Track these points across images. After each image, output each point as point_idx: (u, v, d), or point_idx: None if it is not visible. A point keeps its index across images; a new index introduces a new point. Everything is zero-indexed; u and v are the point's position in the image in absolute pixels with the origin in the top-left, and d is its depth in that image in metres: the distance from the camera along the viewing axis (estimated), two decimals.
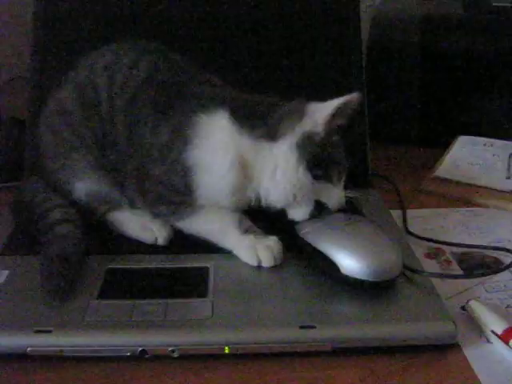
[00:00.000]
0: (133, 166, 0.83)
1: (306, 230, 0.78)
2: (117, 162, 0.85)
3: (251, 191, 0.80)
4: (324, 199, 0.80)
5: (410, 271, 0.76)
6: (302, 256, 0.79)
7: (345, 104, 0.77)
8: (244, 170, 0.79)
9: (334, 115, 0.77)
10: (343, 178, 0.81)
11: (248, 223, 0.80)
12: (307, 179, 0.78)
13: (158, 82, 0.84)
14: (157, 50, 0.88)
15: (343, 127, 0.80)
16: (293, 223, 0.81)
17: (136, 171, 0.83)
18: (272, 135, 0.78)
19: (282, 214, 0.81)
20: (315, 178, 0.78)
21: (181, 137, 0.79)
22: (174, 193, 0.80)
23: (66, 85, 0.88)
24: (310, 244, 0.77)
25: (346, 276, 0.72)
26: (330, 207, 0.80)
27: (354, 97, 0.77)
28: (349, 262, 0.72)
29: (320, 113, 0.78)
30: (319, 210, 0.80)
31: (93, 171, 0.85)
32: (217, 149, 0.78)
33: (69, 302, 0.70)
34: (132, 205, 0.87)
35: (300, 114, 0.79)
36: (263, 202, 0.81)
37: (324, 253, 0.74)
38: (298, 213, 0.81)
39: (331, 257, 0.73)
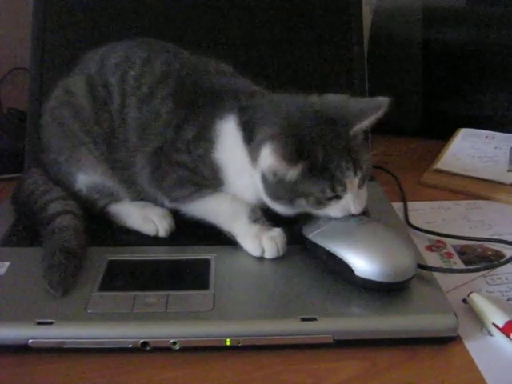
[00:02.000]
0: (147, 157, 0.83)
1: (316, 232, 0.77)
2: (125, 157, 0.85)
3: None
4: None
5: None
6: (302, 248, 0.79)
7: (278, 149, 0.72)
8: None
9: (278, 158, 0.72)
10: (324, 203, 0.76)
11: (258, 214, 0.80)
12: (277, 204, 0.78)
13: (175, 79, 0.84)
14: (165, 47, 0.89)
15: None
16: (298, 217, 0.80)
17: (152, 159, 0.83)
18: (252, 158, 0.77)
19: None
20: (285, 205, 0.77)
21: (205, 138, 0.80)
22: (200, 177, 0.81)
23: (76, 77, 0.88)
24: (320, 246, 0.76)
25: (361, 278, 0.71)
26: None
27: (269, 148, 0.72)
28: (363, 264, 0.71)
29: (264, 154, 0.73)
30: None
31: (98, 165, 0.86)
32: (233, 152, 0.79)
33: (70, 293, 0.70)
34: (137, 199, 0.87)
35: (263, 145, 0.74)
36: None
37: (336, 255, 0.73)
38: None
39: (344, 259, 0.72)
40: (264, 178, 0.76)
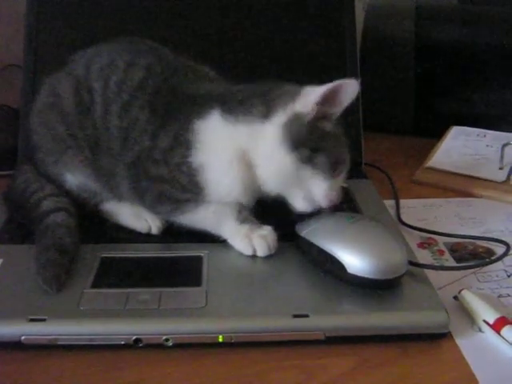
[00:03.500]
0: (127, 168, 0.82)
1: (309, 230, 0.78)
2: (109, 165, 0.84)
3: (256, 181, 0.79)
4: (313, 189, 0.78)
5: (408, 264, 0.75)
6: (294, 245, 0.79)
7: (337, 88, 0.75)
8: (246, 161, 0.78)
9: (325, 99, 0.75)
10: (339, 174, 0.79)
11: (246, 214, 0.80)
12: (291, 161, 0.76)
13: (152, 86, 0.83)
14: (150, 50, 0.87)
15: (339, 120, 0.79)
16: (289, 215, 0.80)
17: (131, 171, 0.82)
18: (266, 113, 0.78)
19: (283, 204, 0.81)
20: (301, 161, 0.76)
21: (182, 142, 0.79)
22: (180, 190, 0.80)
23: (63, 80, 0.87)
24: (312, 243, 0.76)
25: (352, 275, 0.71)
26: (317, 200, 0.78)
27: (348, 83, 0.75)
28: (355, 261, 0.71)
29: (311, 94, 0.76)
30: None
31: (84, 168, 0.85)
32: (216, 149, 0.78)
33: (63, 290, 0.70)
34: (123, 200, 0.86)
35: (294, 95, 0.77)
36: (263, 189, 0.80)
37: (328, 252, 0.73)
38: (295, 201, 0.79)
39: (336, 256, 0.72)
40: (291, 125, 0.76)
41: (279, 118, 0.77)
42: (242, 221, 0.79)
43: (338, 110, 0.78)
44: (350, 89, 0.75)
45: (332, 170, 0.77)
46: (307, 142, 0.76)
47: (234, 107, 0.79)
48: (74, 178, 0.86)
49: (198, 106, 0.80)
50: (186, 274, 0.75)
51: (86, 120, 0.84)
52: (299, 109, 0.76)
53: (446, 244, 0.88)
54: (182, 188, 0.79)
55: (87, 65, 0.86)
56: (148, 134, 0.81)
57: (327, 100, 0.76)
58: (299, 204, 0.79)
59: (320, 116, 0.77)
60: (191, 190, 0.79)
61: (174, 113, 0.81)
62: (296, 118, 0.76)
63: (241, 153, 0.78)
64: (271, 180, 0.79)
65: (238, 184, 0.79)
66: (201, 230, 0.81)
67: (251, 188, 0.80)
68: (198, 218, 0.81)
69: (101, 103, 0.83)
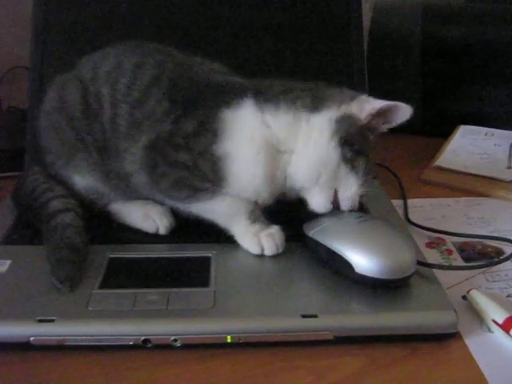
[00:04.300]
0: (142, 153, 0.81)
1: (316, 230, 0.78)
2: (118, 164, 0.83)
3: (281, 176, 0.79)
4: (341, 189, 0.78)
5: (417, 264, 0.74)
6: (302, 245, 0.79)
7: (393, 108, 0.79)
8: (273, 154, 0.78)
9: (379, 113, 0.79)
10: (368, 180, 0.79)
11: (257, 214, 0.80)
12: (336, 156, 0.77)
13: (168, 80, 0.82)
14: (157, 50, 0.87)
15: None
16: (297, 214, 0.80)
17: (147, 155, 0.81)
18: (315, 106, 0.79)
19: (291, 203, 0.81)
20: (344, 158, 0.77)
21: (208, 130, 0.78)
22: (200, 178, 0.79)
23: (70, 85, 0.86)
24: (320, 243, 0.76)
25: (361, 275, 0.71)
26: (341, 200, 0.78)
27: (404, 107, 0.80)
28: (363, 261, 0.71)
29: (369, 103, 0.79)
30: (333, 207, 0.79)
31: (93, 171, 0.85)
32: (244, 139, 0.78)
33: (72, 291, 0.70)
34: (133, 198, 0.87)
35: (351, 97, 0.80)
36: (288, 184, 0.80)
37: (337, 252, 0.73)
38: (317, 199, 0.79)
39: (344, 256, 0.72)
40: (342, 122, 0.78)
41: (331, 113, 0.78)
42: (253, 220, 0.80)
43: (384, 126, 0.81)
44: (403, 112, 0.80)
45: (366, 174, 0.79)
46: (354, 143, 0.78)
47: (273, 97, 0.79)
48: (83, 180, 0.86)
49: (226, 95, 0.80)
50: (194, 274, 0.75)
51: (94, 124, 0.84)
52: (355, 111, 0.79)
53: (454, 243, 0.88)
54: (203, 176, 0.79)
55: (94, 69, 0.86)
56: (169, 120, 0.80)
57: (379, 115, 0.79)
58: (318, 203, 0.79)
59: (368, 126, 0.79)
60: (212, 179, 0.79)
61: (197, 100, 0.81)
62: (349, 118, 0.78)
63: (270, 144, 0.78)
64: (305, 170, 0.78)
65: (261, 176, 0.78)
66: (209, 221, 0.81)
67: (273, 183, 0.79)
68: (212, 208, 0.80)
69: (109, 106, 0.83)
